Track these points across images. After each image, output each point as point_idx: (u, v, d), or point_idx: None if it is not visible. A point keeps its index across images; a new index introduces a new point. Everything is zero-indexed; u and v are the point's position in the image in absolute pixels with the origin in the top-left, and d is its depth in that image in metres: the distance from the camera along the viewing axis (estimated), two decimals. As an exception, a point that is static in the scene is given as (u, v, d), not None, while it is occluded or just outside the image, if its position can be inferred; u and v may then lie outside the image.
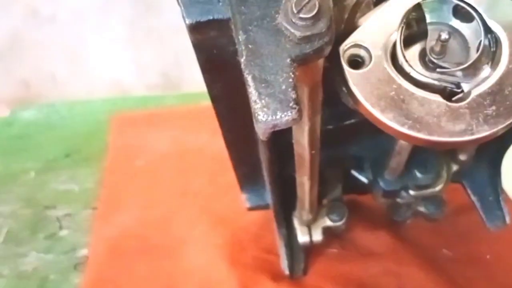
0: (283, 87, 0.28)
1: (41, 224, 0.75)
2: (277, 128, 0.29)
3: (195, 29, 0.33)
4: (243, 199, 0.61)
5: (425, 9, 0.35)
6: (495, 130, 0.32)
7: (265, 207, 0.61)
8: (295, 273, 0.64)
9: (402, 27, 0.34)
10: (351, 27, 0.35)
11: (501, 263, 0.66)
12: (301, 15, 0.28)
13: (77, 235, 0.73)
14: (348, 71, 0.33)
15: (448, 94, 0.34)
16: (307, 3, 0.29)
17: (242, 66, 0.29)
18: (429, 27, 0.35)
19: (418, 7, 0.35)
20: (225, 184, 0.64)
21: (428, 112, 0.33)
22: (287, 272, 0.63)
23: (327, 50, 0.30)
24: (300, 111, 0.28)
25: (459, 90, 0.34)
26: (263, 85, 0.29)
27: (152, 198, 0.76)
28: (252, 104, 0.28)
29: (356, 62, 0.34)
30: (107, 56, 1.06)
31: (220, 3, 0.32)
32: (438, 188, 0.56)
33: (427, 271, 0.65)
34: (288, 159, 0.48)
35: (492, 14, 0.34)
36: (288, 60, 0.29)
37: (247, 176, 0.58)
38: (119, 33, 1.07)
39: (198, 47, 0.36)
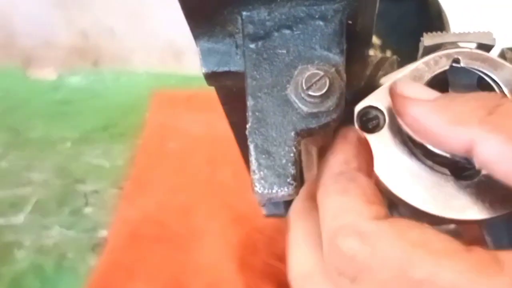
0: (284, 161, 0.29)
1: (69, 198, 0.78)
2: (272, 201, 0.29)
3: (211, 77, 0.33)
4: (260, 206, 0.62)
5: (450, 77, 0.35)
6: (498, 214, 0.32)
7: (281, 215, 0.61)
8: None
9: None
10: (372, 85, 0.35)
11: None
12: (310, 92, 0.28)
13: (100, 214, 0.75)
14: (359, 132, 0.33)
15: (458, 169, 0.33)
16: (318, 80, 0.29)
17: (247, 132, 0.29)
18: None
19: (443, 74, 0.34)
20: (249, 179, 0.65)
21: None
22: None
23: (334, 126, 0.30)
24: (297, 187, 0.29)
25: (469, 166, 0.33)
26: (263, 156, 0.29)
27: (177, 183, 0.78)
28: (251, 174, 0.29)
29: (370, 124, 0.34)
30: (165, 15, 1.06)
31: (238, 56, 0.32)
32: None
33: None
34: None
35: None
36: (293, 133, 0.29)
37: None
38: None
39: (217, 88, 0.36)
